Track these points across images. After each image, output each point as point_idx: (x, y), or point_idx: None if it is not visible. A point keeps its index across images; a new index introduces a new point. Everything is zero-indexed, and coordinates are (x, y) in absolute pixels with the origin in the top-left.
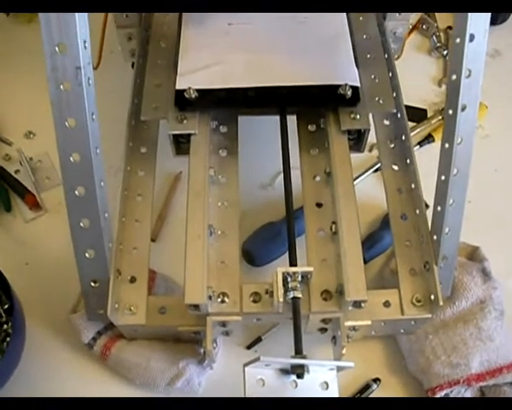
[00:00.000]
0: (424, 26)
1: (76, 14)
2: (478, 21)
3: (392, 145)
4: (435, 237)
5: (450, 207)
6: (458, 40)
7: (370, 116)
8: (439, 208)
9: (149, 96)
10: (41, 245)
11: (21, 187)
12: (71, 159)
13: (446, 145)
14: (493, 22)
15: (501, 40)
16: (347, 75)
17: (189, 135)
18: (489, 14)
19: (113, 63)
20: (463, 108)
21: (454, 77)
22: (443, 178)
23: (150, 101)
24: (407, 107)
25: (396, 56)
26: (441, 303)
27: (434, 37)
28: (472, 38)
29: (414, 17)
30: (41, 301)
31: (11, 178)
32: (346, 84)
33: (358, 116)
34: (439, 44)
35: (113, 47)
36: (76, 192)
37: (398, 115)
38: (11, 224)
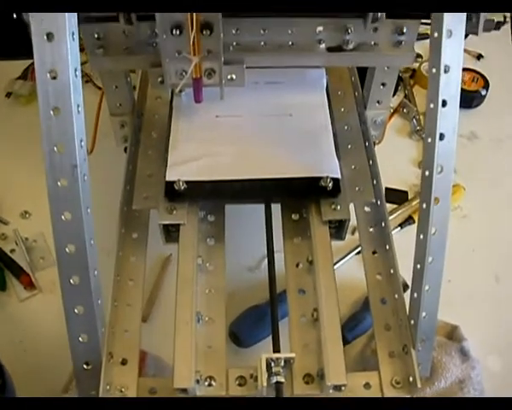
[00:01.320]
0: (405, 110)
1: (74, 115)
2: (447, 119)
3: (372, 230)
4: (413, 322)
5: (426, 293)
6: (430, 140)
7: (351, 204)
8: (415, 295)
9: (141, 185)
10: (35, 324)
11: (17, 267)
12: (66, 250)
13: (421, 236)
14: (469, 106)
15: (477, 123)
16: (329, 167)
17: (179, 224)
18: (457, 113)
19: (107, 146)
20: (437, 201)
21: (427, 173)
22: (418, 266)
23: (142, 190)
24: (388, 189)
25: (377, 141)
26: (419, 385)
27: (414, 120)
28: (442, 136)
29: (395, 100)
30: (33, 378)
31: (6, 258)
32: (327, 177)
33: (339, 207)
34: (418, 128)
35: (107, 130)
36: (71, 281)
37: (378, 203)
38: (6, 302)
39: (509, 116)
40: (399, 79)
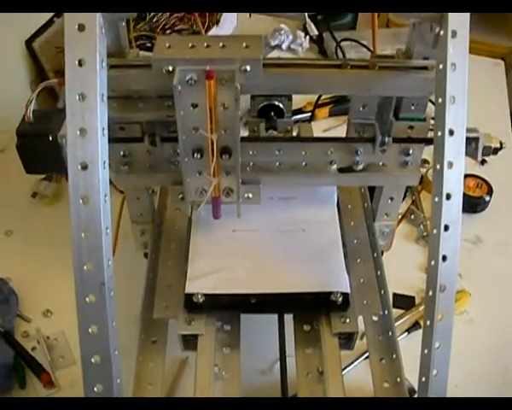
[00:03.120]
0: (412, 216)
1: (103, 236)
2: (450, 241)
3: (380, 338)
4: None
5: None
6: (433, 262)
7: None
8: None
9: (161, 295)
10: None
11: (37, 365)
12: (92, 360)
13: (425, 351)
14: (473, 211)
15: (482, 227)
16: (339, 283)
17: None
18: (459, 235)
19: (127, 247)
20: (440, 317)
21: (430, 292)
22: (423, 379)
23: (162, 300)
24: (395, 294)
25: (385, 249)
26: None
27: (422, 226)
28: (444, 258)
29: (403, 206)
30: None
31: (28, 356)
32: (337, 292)
33: (348, 320)
34: (425, 233)
35: (127, 232)
36: (95, 389)
37: (386, 312)
38: None
39: None
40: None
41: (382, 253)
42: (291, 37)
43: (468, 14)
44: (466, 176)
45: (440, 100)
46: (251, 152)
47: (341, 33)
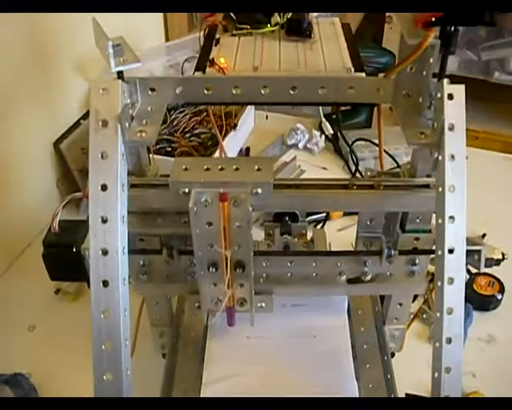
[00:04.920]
0: (424, 316)
1: (122, 349)
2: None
3: None
4: None
5: None
6: (436, 374)
7: None
8: None
9: None
10: None
11: None
12: None
13: None
14: (486, 309)
15: (495, 325)
16: (348, 389)
17: None
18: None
19: (146, 346)
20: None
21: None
22: None
23: None
24: (408, 395)
25: (396, 351)
26: None
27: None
28: (448, 370)
29: (415, 305)
30: None
31: None
32: None
33: None
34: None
35: (146, 330)
36: None
37: None
38: None
39: None
40: None
41: (394, 354)
42: (307, 136)
43: (464, 139)
44: (478, 274)
45: (440, 220)
46: (264, 264)
47: (356, 132)
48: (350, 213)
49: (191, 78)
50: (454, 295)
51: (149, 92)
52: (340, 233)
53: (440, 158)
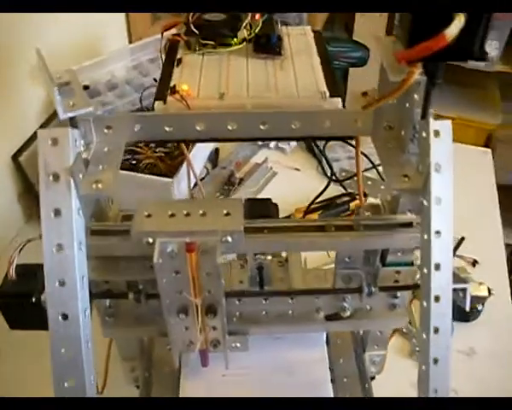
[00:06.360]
0: (404, 330)
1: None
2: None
3: None
4: None
5: None
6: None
7: None
8: None
9: None
10: None
11: None
12: None
13: None
14: (466, 319)
15: (475, 337)
16: None
17: None
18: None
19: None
20: None
21: None
22: None
23: None
24: None
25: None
26: None
27: (414, 339)
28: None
29: None
30: None
31: None
32: None
33: None
34: (418, 348)
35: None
36: None
37: None
38: None
39: (507, 328)
40: None
41: (374, 378)
42: None
43: (451, 179)
44: None
45: (425, 270)
46: (237, 302)
47: None
48: None
49: (150, 115)
50: (439, 346)
51: (105, 130)
52: None
53: (425, 203)
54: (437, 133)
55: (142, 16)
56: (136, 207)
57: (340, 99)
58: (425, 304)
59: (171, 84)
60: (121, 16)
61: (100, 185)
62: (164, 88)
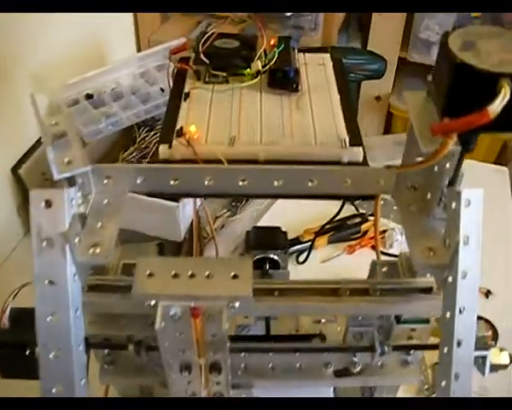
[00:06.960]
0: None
1: None
2: None
3: None
4: None
5: None
6: None
7: None
8: None
9: None
10: None
11: None
12: None
13: None
14: None
15: (489, 377)
16: None
17: None
18: None
19: None
20: None
21: None
22: None
23: None
24: None
25: None
26: None
27: (423, 377)
28: None
29: None
30: None
31: None
32: None
33: None
34: (427, 386)
35: None
36: None
37: None
38: None
39: None
40: None
41: None
42: None
43: (479, 251)
44: None
45: (446, 349)
46: (242, 354)
47: None
48: (335, 241)
49: (154, 168)
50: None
51: (105, 181)
52: (325, 265)
53: (450, 279)
54: (468, 203)
55: (150, 16)
56: (137, 265)
57: (361, 149)
58: (443, 384)
59: (178, 126)
60: (129, 16)
61: (98, 250)
62: (170, 130)
